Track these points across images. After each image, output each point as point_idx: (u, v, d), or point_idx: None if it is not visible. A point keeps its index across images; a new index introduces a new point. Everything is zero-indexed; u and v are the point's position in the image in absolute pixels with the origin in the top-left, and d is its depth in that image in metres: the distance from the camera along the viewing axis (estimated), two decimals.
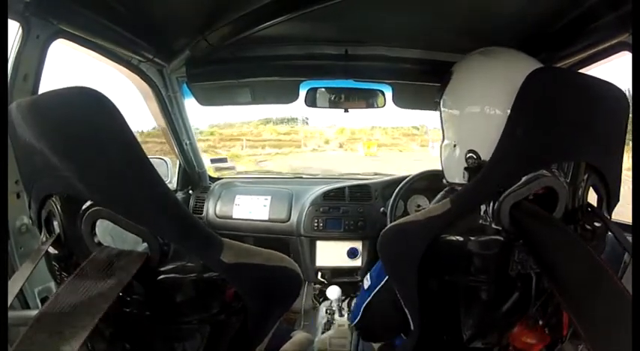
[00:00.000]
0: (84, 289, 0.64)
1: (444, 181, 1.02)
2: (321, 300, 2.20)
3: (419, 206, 2.04)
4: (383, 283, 1.02)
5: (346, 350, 1.78)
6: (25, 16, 1.03)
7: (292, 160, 15.01)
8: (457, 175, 0.93)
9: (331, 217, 2.16)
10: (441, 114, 1.01)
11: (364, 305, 1.09)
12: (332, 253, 2.16)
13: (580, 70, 1.35)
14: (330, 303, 1.98)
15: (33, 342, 0.58)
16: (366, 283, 1.10)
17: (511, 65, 0.86)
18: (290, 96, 1.92)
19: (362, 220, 2.13)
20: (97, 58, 1.43)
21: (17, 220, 1.12)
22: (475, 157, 0.88)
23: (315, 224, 2.14)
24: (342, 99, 1.95)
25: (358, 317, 1.12)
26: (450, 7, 1.31)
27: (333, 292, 1.83)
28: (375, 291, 1.05)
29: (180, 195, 2.29)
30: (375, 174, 2.58)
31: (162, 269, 0.72)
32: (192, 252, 0.73)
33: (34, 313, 0.65)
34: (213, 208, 2.23)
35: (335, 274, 2.13)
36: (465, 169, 0.90)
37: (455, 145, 0.94)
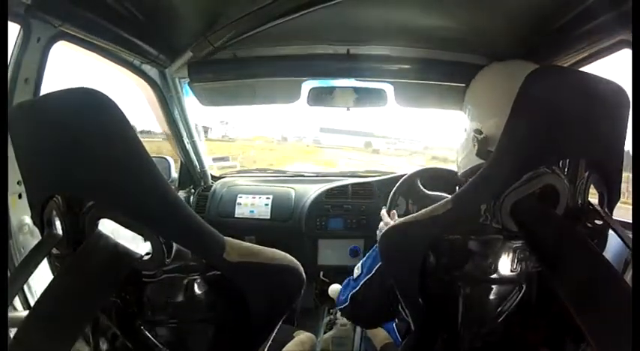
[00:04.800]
0: (76, 286, 0.64)
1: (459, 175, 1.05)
2: (322, 299, 2.20)
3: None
4: (372, 275, 1.04)
5: (348, 350, 1.79)
6: (25, 18, 1.04)
7: None
8: (471, 159, 0.96)
9: (333, 215, 2.16)
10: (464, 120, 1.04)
11: (352, 293, 1.10)
12: (334, 252, 2.17)
13: (581, 68, 1.35)
14: (333, 302, 1.98)
15: (27, 341, 0.59)
16: (356, 272, 1.11)
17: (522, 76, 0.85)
18: (292, 95, 1.93)
19: (364, 218, 2.13)
20: (99, 59, 1.43)
21: (19, 221, 1.12)
22: (479, 133, 0.92)
23: (317, 222, 2.14)
24: (344, 98, 1.95)
25: (345, 304, 1.13)
26: (451, 6, 1.30)
27: (336, 291, 1.83)
28: (364, 281, 1.06)
29: (182, 194, 2.29)
30: (377, 172, 2.57)
31: (165, 268, 0.72)
32: (194, 251, 0.73)
33: None
34: (215, 207, 2.23)
35: (337, 273, 2.13)
36: (476, 142, 0.93)
37: (465, 130, 0.99)
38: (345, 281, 1.19)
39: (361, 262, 1.11)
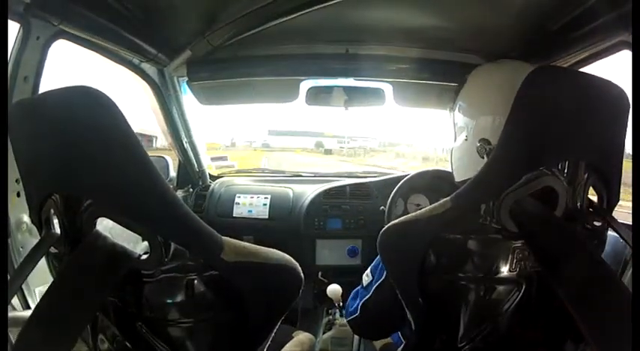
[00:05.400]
0: (74, 286, 0.64)
1: (456, 181, 1.02)
2: (321, 299, 2.20)
3: (418, 205, 2.02)
4: (383, 278, 1.02)
5: (348, 350, 1.78)
6: (25, 17, 1.03)
7: None
8: (471, 168, 0.92)
9: (331, 215, 2.16)
10: (454, 118, 1.03)
11: (362, 302, 1.09)
12: (332, 252, 2.17)
13: (580, 69, 1.35)
14: (331, 302, 1.98)
15: (27, 343, 0.59)
16: (366, 279, 1.10)
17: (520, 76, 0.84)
18: (290, 95, 1.92)
19: (362, 218, 2.14)
20: (98, 58, 1.43)
21: (18, 219, 1.12)
22: (487, 143, 0.89)
23: (316, 222, 2.14)
24: (342, 97, 1.95)
25: (355, 314, 1.11)
26: (450, 6, 1.31)
27: (334, 291, 1.83)
28: (376, 287, 1.05)
29: (180, 193, 2.28)
30: (375, 173, 2.57)
31: (163, 268, 0.72)
32: (192, 251, 0.73)
33: None
34: (213, 207, 2.22)
35: (335, 273, 2.13)
36: (486, 155, 0.90)
37: (466, 139, 0.96)
38: (353, 292, 1.18)
39: (370, 268, 1.10)
